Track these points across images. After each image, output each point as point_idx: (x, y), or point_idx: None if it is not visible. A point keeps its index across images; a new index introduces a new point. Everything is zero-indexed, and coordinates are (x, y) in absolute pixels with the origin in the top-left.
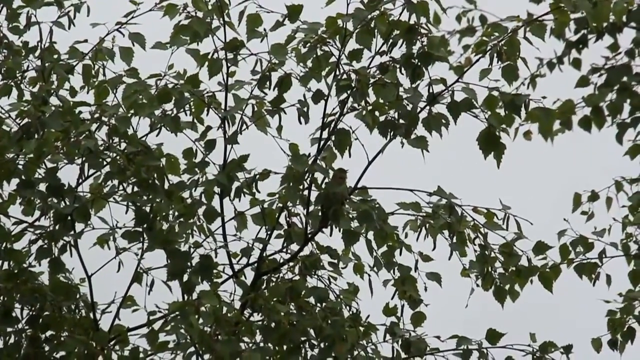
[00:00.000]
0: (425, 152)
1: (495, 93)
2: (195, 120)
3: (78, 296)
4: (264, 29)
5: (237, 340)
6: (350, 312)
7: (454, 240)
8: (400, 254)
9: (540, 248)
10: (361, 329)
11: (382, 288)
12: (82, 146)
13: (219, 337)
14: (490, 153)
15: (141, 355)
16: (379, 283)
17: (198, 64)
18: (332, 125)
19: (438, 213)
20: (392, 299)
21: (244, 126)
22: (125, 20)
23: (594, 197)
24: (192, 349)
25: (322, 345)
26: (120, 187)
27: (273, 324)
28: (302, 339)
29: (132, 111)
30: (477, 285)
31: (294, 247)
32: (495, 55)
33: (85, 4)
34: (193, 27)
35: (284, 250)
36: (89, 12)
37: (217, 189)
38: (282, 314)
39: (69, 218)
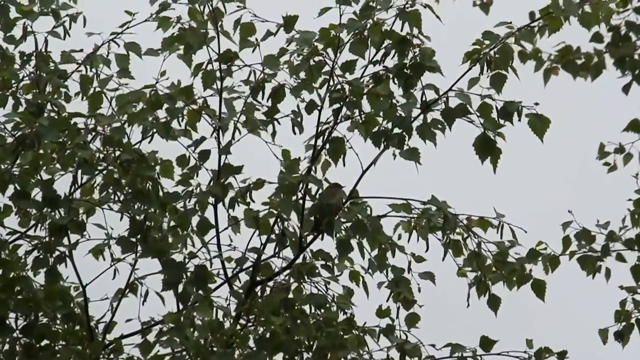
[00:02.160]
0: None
1: (489, 100)
2: (188, 127)
3: (72, 305)
4: (256, 39)
5: (232, 353)
6: (345, 316)
7: (447, 242)
8: (393, 255)
9: (534, 256)
10: (356, 332)
11: (377, 291)
12: (79, 157)
13: (214, 349)
14: (486, 158)
15: None
16: (373, 286)
17: (192, 74)
18: (327, 134)
19: (428, 214)
20: (387, 301)
21: (238, 133)
22: (121, 30)
23: (620, 149)
24: None
25: (316, 356)
26: (115, 197)
27: (268, 335)
28: (297, 349)
29: (125, 119)
30: (471, 286)
31: (287, 252)
32: (485, 64)
33: (82, 15)
34: (186, 38)
35: (277, 255)
36: (85, 23)
37: (211, 199)
38: (277, 324)
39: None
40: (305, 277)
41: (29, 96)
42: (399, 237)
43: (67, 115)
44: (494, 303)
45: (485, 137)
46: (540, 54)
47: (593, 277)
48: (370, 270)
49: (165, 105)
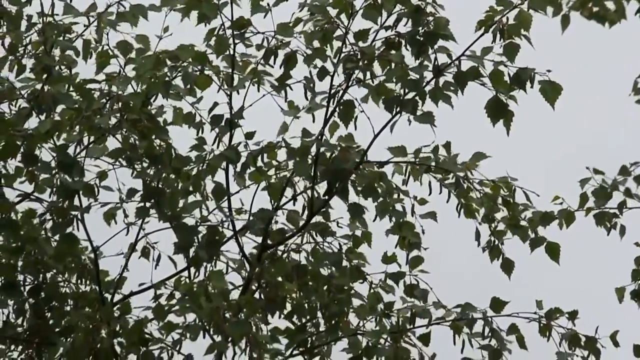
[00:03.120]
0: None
1: (502, 67)
2: (193, 87)
3: (83, 261)
4: (267, 4)
5: (246, 321)
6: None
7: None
8: (399, 197)
9: (547, 218)
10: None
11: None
12: (95, 124)
13: (228, 317)
14: (498, 120)
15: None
16: (381, 237)
17: (204, 39)
18: (338, 97)
19: (421, 155)
20: (395, 247)
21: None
22: None
23: None
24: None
25: (328, 322)
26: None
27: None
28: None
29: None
30: (480, 224)
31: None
32: (498, 32)
33: None
34: (202, 9)
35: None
36: None
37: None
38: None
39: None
40: (319, 237)
41: (33, 60)
42: (404, 183)
43: (82, 81)
44: (508, 267)
45: (497, 100)
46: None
47: (608, 234)
48: (378, 217)
49: (170, 63)
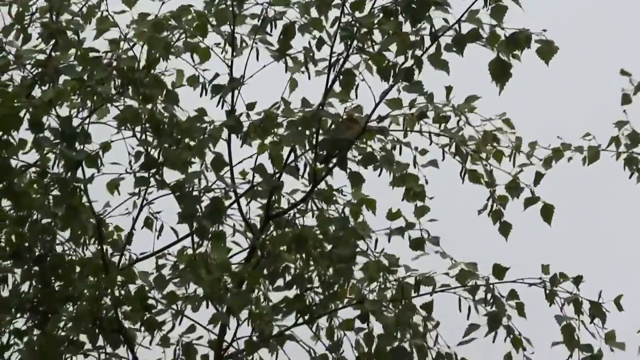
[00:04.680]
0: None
1: (498, 30)
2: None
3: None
4: None
5: (247, 291)
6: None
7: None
8: (400, 153)
9: (539, 178)
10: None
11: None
12: (98, 93)
13: (229, 288)
14: (502, 81)
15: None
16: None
17: (204, 8)
18: (339, 66)
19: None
20: (402, 200)
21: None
22: None
23: None
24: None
25: (326, 292)
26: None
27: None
28: (308, 285)
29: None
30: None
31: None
32: None
33: None
34: None
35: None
36: None
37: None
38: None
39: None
40: (324, 205)
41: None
42: (405, 135)
43: (84, 52)
44: (505, 229)
45: (499, 60)
46: None
47: (630, 177)
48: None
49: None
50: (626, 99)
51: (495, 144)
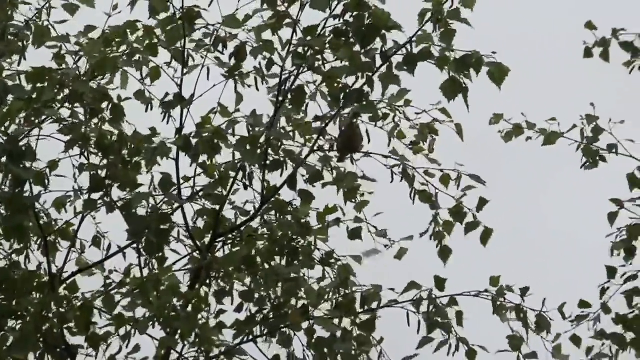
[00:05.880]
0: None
1: (448, 53)
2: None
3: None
4: None
5: (195, 315)
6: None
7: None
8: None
9: (482, 203)
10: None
11: None
12: (47, 114)
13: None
14: (454, 97)
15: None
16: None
17: (158, 28)
18: (290, 84)
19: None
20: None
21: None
22: None
23: None
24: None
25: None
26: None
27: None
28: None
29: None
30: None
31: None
32: (436, 20)
33: None
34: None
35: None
36: None
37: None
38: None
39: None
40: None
41: None
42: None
43: (33, 71)
44: (445, 254)
45: (452, 81)
46: None
47: (581, 167)
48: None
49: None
50: (587, 53)
51: (433, 135)
